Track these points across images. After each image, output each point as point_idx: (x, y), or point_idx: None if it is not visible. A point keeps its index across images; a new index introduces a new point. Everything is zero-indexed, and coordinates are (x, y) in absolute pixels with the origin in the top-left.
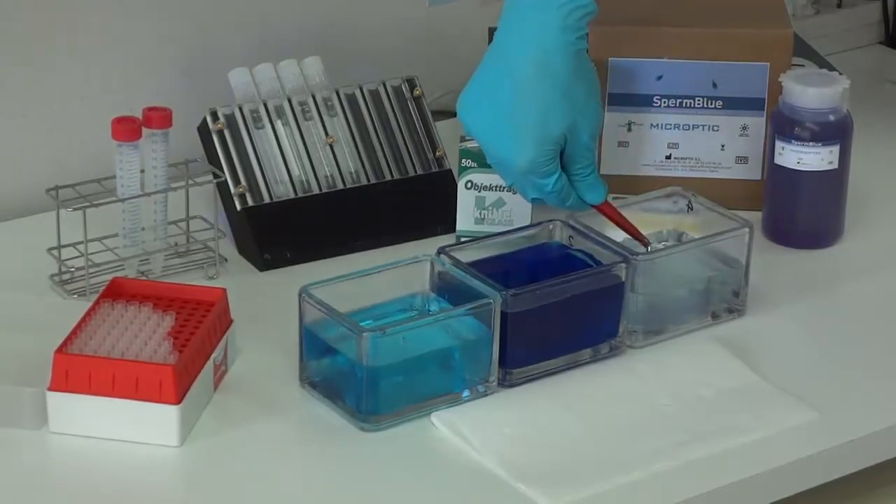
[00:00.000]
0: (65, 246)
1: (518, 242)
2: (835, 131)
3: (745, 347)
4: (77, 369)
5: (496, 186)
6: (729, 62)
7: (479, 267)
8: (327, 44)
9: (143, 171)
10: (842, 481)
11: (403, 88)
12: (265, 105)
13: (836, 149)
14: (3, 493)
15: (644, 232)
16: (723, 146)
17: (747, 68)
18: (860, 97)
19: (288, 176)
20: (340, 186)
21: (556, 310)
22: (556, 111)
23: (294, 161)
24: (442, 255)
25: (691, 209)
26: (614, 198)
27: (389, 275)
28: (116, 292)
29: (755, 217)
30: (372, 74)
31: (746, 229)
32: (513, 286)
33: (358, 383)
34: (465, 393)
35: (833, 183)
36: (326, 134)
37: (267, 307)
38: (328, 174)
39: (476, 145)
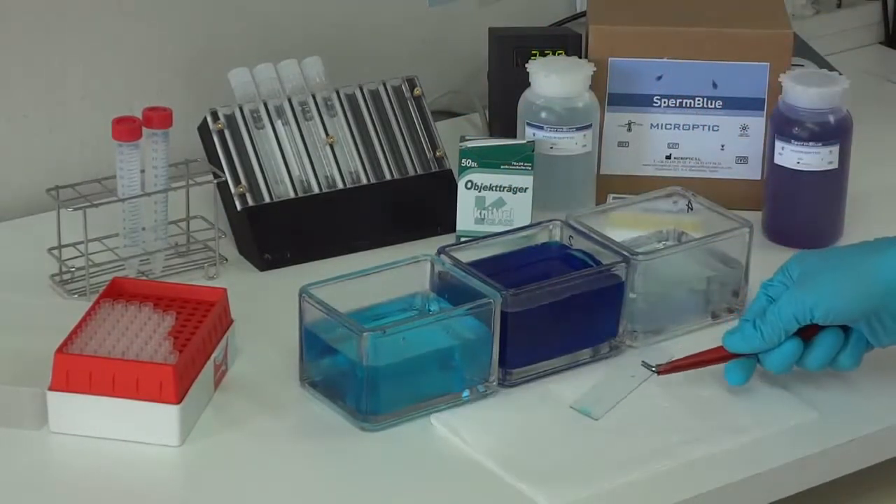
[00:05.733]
0: (65, 246)
1: (518, 242)
2: (835, 131)
3: None
4: (77, 369)
5: (496, 186)
6: (729, 62)
7: (479, 267)
8: (327, 44)
9: (143, 171)
10: (842, 481)
11: (403, 88)
12: (265, 105)
13: (835, 149)
14: (3, 493)
15: (644, 232)
16: (723, 146)
17: (747, 68)
18: (860, 97)
19: (288, 176)
20: (340, 186)
21: (556, 310)
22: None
23: (294, 161)
24: (442, 255)
25: (691, 209)
26: (614, 197)
27: (389, 275)
28: (117, 292)
29: (755, 217)
30: (372, 74)
31: (746, 229)
32: (513, 286)
33: (358, 383)
34: (465, 393)
35: (833, 183)
36: (326, 134)
37: (267, 307)
38: (328, 174)
39: (476, 145)
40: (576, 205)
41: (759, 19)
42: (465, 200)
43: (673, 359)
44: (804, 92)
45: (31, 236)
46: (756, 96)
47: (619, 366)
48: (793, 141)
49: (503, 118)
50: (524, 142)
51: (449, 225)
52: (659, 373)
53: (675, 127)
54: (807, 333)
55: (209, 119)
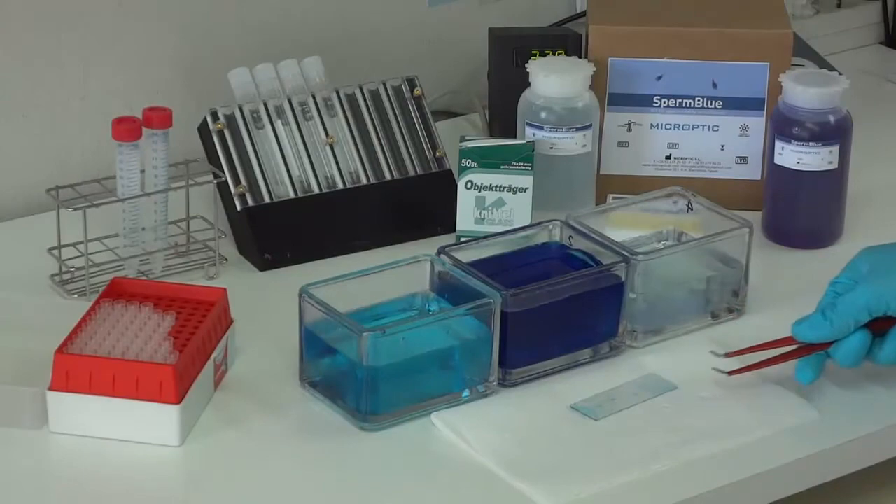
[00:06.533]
0: (65, 246)
1: (518, 242)
2: (835, 131)
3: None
4: (77, 369)
5: (496, 186)
6: (729, 62)
7: (479, 267)
8: (327, 44)
9: (143, 171)
10: (842, 481)
11: (403, 88)
12: (265, 105)
13: (835, 149)
14: (3, 493)
15: (644, 232)
16: (723, 146)
17: (747, 68)
18: (860, 97)
19: (288, 176)
20: (340, 186)
21: (555, 310)
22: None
23: (294, 161)
24: (442, 255)
25: (691, 209)
26: (614, 197)
27: (389, 275)
28: (116, 292)
29: (755, 217)
30: (372, 74)
31: (746, 229)
32: (513, 286)
33: (358, 383)
34: (465, 393)
35: (833, 183)
36: (326, 134)
37: (267, 307)
38: (328, 174)
39: (476, 145)
40: (576, 205)
41: (759, 19)
42: (465, 200)
43: (740, 351)
44: (804, 92)
45: (31, 236)
46: (756, 96)
47: (626, 380)
48: (793, 141)
49: (503, 118)
50: (524, 142)
51: (449, 225)
52: (729, 374)
53: (674, 127)
54: (875, 329)
55: (209, 119)
